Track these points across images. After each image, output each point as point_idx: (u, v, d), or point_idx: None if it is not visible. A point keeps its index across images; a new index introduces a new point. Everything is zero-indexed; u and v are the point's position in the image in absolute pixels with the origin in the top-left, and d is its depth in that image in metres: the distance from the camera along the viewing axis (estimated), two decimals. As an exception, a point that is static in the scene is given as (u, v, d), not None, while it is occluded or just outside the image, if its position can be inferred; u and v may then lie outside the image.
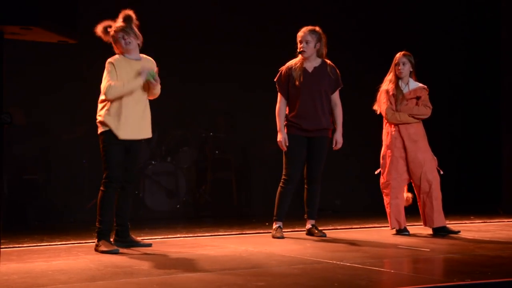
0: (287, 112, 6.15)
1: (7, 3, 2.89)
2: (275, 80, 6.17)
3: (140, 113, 5.33)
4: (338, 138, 6.17)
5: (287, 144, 6.06)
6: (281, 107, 6.13)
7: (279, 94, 6.15)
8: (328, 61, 6.16)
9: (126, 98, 5.24)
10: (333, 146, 6.18)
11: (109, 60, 5.35)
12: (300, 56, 6.08)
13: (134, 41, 5.32)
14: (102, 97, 5.28)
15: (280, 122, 6.12)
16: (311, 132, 6.08)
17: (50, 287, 3.85)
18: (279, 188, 6.14)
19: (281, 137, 6.08)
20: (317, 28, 6.07)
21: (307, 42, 6.02)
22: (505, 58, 9.28)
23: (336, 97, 6.18)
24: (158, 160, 8.58)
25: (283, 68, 6.15)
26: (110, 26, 5.34)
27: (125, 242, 5.37)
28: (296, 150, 6.09)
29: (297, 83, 6.03)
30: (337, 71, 6.18)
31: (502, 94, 9.33)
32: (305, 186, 6.22)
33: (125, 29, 5.33)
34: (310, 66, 6.10)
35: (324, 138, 6.14)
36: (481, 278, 4.03)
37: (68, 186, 8.00)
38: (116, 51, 5.42)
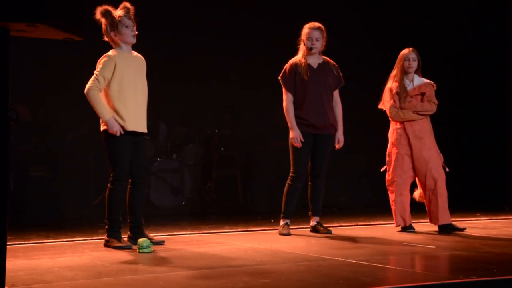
0: None
1: (13, 0, 2.89)
2: (279, 77, 6.15)
3: (143, 104, 5.20)
4: (340, 137, 6.18)
5: (302, 140, 6.06)
6: (289, 104, 6.09)
7: (285, 91, 6.12)
8: (328, 59, 6.18)
9: (129, 90, 5.07)
10: (336, 145, 6.18)
11: (108, 54, 5.09)
12: (301, 54, 6.08)
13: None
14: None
15: (291, 119, 6.06)
16: (318, 129, 6.08)
17: (56, 283, 3.85)
18: (286, 186, 6.14)
19: (296, 133, 6.04)
20: (322, 25, 6.10)
21: (317, 39, 6.05)
22: (511, 53, 9.25)
23: (336, 94, 6.19)
24: (164, 157, 8.59)
25: (287, 65, 6.15)
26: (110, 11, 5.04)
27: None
28: (304, 147, 6.08)
29: (305, 77, 6.02)
30: (339, 69, 6.19)
31: (508, 91, 9.31)
32: (309, 183, 6.22)
33: (132, 19, 5.05)
34: (314, 62, 6.11)
35: (330, 136, 6.15)
36: (486, 276, 4.02)
37: (74, 183, 8.01)
38: (112, 41, 5.10)
